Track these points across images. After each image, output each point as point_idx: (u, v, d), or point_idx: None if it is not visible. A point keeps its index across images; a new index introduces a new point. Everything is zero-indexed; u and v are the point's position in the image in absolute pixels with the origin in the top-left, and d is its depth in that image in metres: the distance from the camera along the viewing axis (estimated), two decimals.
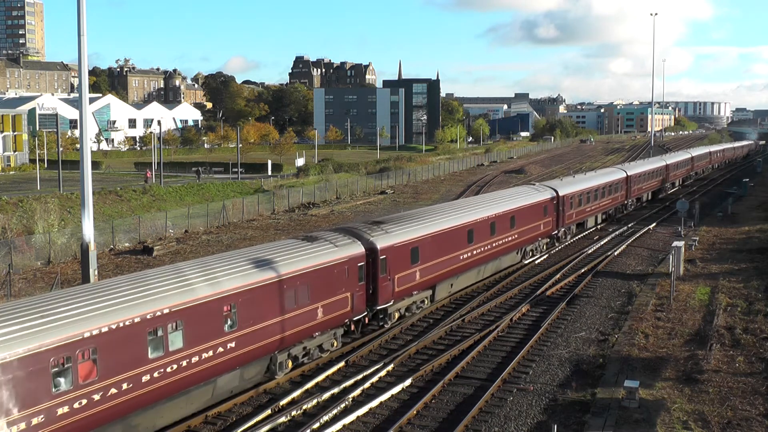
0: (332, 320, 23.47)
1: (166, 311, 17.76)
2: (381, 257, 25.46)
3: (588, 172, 55.98)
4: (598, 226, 49.82)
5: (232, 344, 19.47)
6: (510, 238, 35.24)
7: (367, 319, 25.92)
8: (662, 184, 67.74)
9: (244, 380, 20.60)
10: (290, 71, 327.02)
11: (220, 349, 19.13)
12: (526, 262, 38.35)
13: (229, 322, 19.39)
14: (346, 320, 24.44)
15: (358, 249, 24.66)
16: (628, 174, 55.69)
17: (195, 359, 18.48)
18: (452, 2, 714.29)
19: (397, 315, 27.20)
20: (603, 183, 50.20)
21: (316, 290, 22.45)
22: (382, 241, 25.76)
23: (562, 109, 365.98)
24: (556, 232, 41.85)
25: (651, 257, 40.40)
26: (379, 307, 25.83)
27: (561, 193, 41.85)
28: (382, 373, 22.69)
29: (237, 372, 20.10)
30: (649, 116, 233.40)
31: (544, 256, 40.26)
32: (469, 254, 31.34)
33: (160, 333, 17.61)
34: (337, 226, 28.99)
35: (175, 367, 17.95)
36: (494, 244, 33.58)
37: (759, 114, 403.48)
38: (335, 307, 23.41)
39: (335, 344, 24.08)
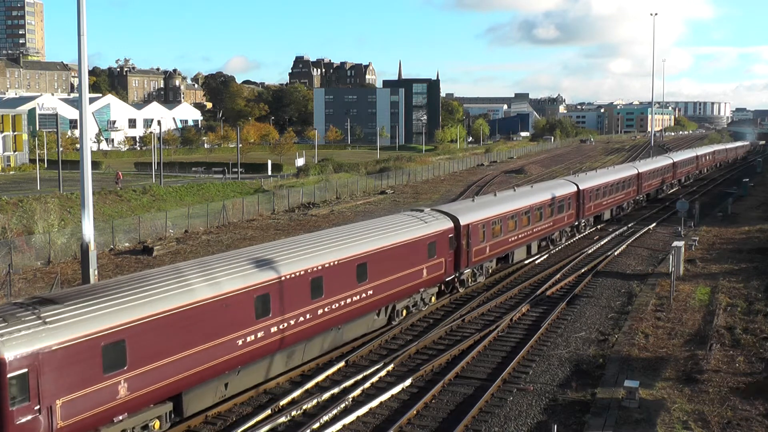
0: None
1: None
2: (12, 375, 14.62)
3: (521, 188, 43.55)
4: (535, 257, 39.45)
5: None
6: (357, 297, 24.21)
7: None
8: (634, 196, 57.89)
9: None
10: (290, 71, 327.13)
11: None
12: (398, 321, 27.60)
13: None
14: None
15: None
16: (580, 188, 45.29)
17: None
18: (452, 2, 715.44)
19: None
20: (538, 202, 39.00)
21: None
22: (20, 345, 14.86)
23: (562, 109, 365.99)
24: (454, 275, 30.87)
25: (651, 257, 40.39)
26: None
27: (464, 222, 30.98)
28: (382, 373, 22.69)
29: None
30: (649, 116, 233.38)
31: (544, 256, 40.23)
32: (263, 333, 20.27)
33: None
34: None
35: None
36: (322, 311, 22.62)
37: (759, 114, 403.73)
38: None
39: None
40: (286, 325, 21.13)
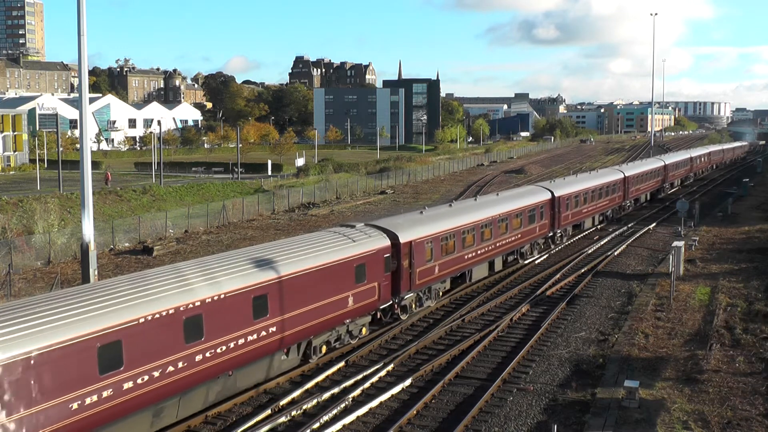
0: None
1: None
2: None
3: (484, 196, 39.58)
4: (497, 274, 35.51)
5: None
6: (253, 337, 20.00)
7: None
8: (620, 202, 53.94)
9: None
10: (290, 71, 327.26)
11: None
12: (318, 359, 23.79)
13: None
14: None
15: None
16: (556, 195, 41.20)
17: None
18: (451, 2, 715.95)
19: None
20: (502, 213, 34.90)
21: None
22: None
23: (562, 109, 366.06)
24: (393, 301, 26.63)
25: (651, 257, 40.40)
26: None
27: (405, 239, 26.79)
28: (382, 373, 22.69)
29: None
30: (649, 116, 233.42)
31: (544, 256, 40.20)
32: (111, 392, 16.20)
33: None
34: None
35: None
36: (202, 357, 18.45)
37: (759, 114, 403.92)
38: None
39: None
40: (147, 378, 16.92)
